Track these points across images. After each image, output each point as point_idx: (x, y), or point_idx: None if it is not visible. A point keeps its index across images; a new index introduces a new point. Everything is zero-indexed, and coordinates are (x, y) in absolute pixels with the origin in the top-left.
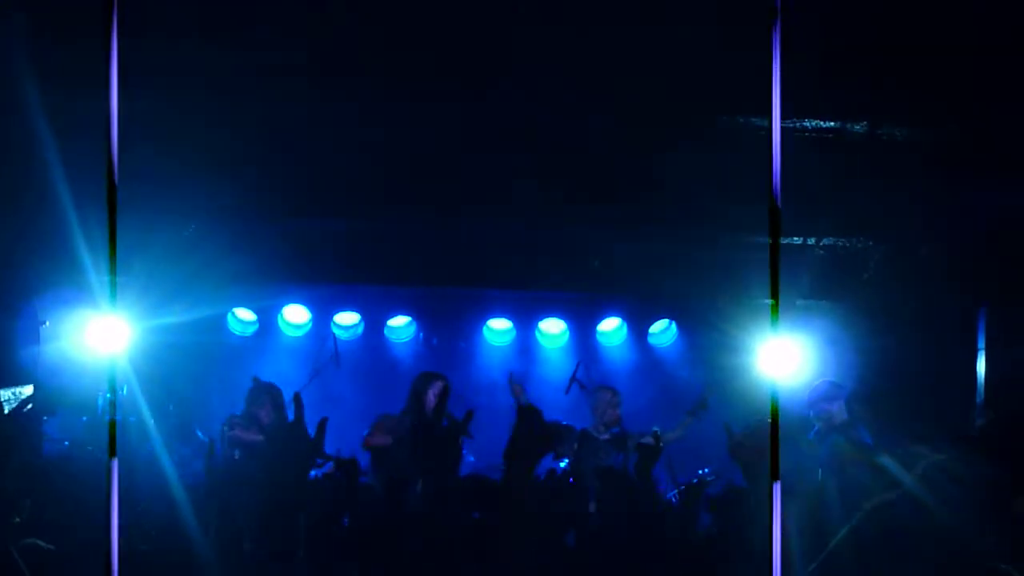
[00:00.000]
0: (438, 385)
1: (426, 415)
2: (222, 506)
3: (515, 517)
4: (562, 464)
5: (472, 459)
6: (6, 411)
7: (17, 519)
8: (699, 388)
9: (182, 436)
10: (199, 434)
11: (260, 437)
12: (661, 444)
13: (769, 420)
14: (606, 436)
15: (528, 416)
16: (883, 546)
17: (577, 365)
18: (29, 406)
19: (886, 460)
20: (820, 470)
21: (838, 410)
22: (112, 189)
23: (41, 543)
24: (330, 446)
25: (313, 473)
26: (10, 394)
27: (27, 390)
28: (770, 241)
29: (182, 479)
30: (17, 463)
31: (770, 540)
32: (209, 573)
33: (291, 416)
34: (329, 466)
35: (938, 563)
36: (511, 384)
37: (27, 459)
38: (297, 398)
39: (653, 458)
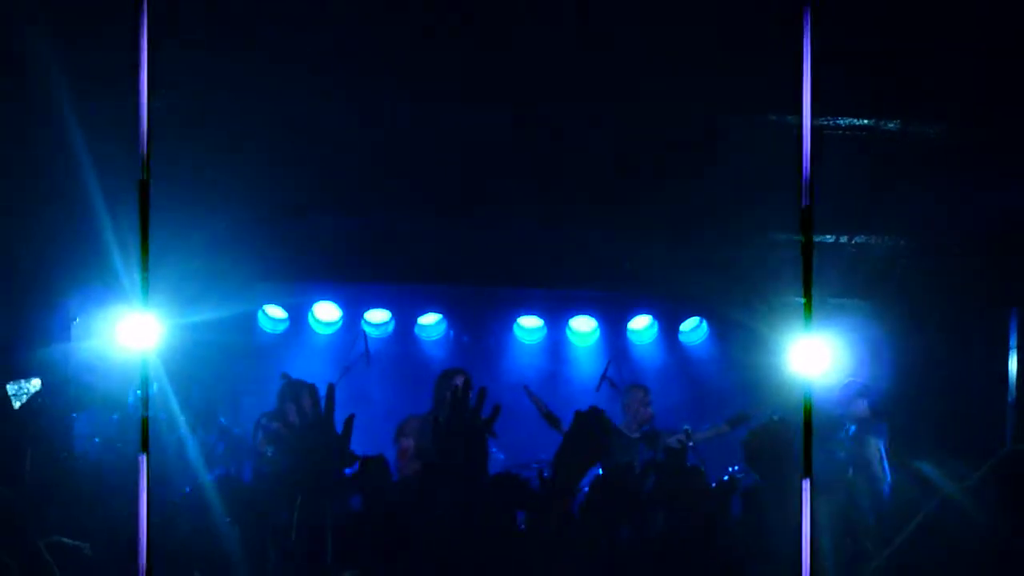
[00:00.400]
0: (457, 380)
1: (447, 411)
2: (253, 504)
3: (560, 522)
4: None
5: (502, 457)
6: (16, 406)
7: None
8: (735, 394)
9: (207, 428)
10: (221, 420)
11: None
12: (690, 443)
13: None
14: (637, 434)
15: (586, 420)
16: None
17: (608, 363)
18: (39, 400)
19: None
20: (851, 468)
21: (862, 410)
22: (144, 186)
23: (67, 540)
24: (359, 444)
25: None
26: (16, 388)
27: (34, 383)
28: (802, 239)
29: (211, 473)
30: (40, 459)
31: (800, 538)
32: (239, 570)
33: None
34: (357, 466)
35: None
36: (529, 396)
37: (51, 455)
38: (331, 391)
39: (680, 460)
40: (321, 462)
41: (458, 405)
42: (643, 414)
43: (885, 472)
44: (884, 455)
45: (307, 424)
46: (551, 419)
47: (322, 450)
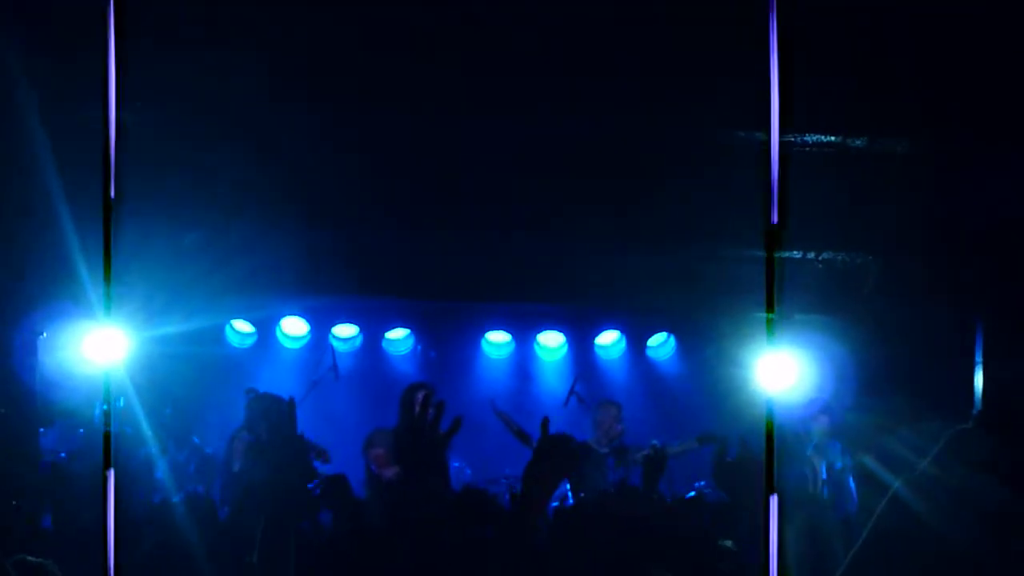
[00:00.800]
0: (420, 394)
1: (410, 424)
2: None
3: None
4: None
5: (469, 472)
6: None
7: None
8: (702, 409)
9: (178, 446)
10: (195, 440)
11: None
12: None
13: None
14: (606, 450)
15: (553, 439)
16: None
17: (575, 378)
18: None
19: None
20: (820, 482)
21: (824, 427)
22: (108, 200)
23: (31, 558)
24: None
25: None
26: None
27: None
28: (766, 255)
29: (180, 488)
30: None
31: (766, 553)
32: None
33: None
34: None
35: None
36: (497, 414)
37: (16, 471)
38: (291, 404)
39: (659, 469)
40: (288, 476)
41: (417, 419)
42: (614, 431)
43: (851, 490)
44: (848, 472)
45: (275, 438)
46: (521, 436)
47: (288, 464)
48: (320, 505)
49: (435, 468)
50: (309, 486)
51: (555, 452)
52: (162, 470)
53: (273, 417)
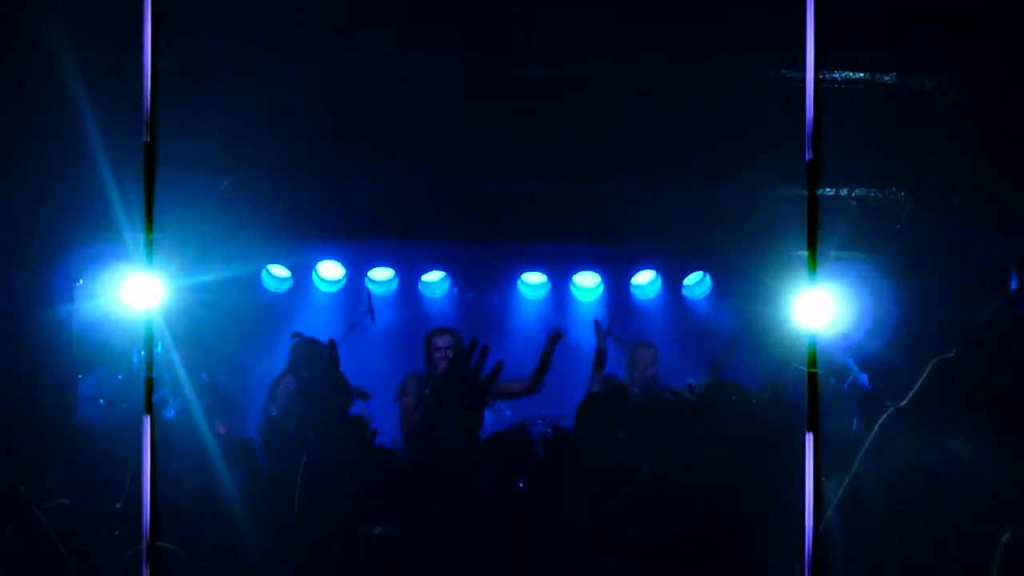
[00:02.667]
0: (440, 340)
1: (436, 374)
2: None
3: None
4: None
5: (509, 413)
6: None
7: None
8: (739, 348)
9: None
10: (204, 377)
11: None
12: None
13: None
14: (637, 391)
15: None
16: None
17: (611, 319)
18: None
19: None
20: (855, 420)
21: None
22: (148, 148)
23: (67, 502)
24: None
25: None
26: None
27: None
28: (807, 192)
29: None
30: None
31: (804, 491)
32: (247, 530)
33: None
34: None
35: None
36: (597, 329)
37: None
38: (332, 345)
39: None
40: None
41: (457, 367)
42: (648, 373)
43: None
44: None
45: (318, 381)
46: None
47: (331, 404)
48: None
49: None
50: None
51: (615, 403)
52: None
53: (316, 361)
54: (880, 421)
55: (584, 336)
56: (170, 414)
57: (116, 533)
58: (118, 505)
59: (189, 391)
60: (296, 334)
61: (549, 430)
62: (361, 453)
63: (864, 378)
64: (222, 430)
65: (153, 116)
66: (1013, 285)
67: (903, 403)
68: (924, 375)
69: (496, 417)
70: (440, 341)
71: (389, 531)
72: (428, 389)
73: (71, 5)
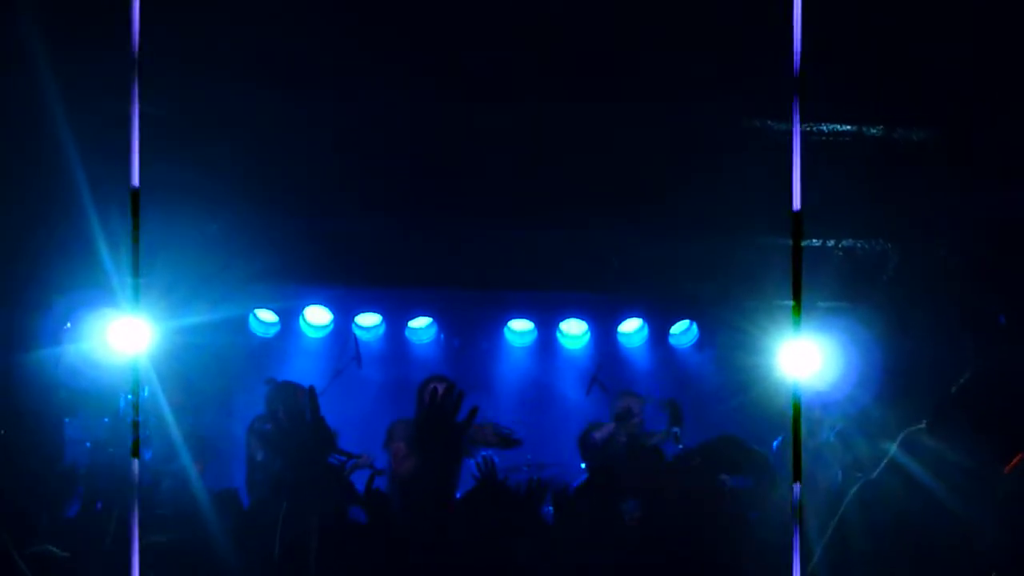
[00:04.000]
0: (431, 388)
1: (424, 416)
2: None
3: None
4: None
5: (497, 459)
6: None
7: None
8: (726, 396)
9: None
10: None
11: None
12: (679, 446)
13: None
14: (624, 439)
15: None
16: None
17: (598, 366)
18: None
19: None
20: (840, 472)
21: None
22: (135, 194)
23: (55, 549)
24: (350, 447)
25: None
26: None
27: None
28: (792, 243)
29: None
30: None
31: (791, 542)
32: (229, 570)
33: (308, 414)
34: (350, 463)
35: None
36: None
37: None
38: (312, 393)
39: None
40: (308, 463)
41: (434, 410)
42: (632, 423)
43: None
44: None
45: (295, 426)
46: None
47: (307, 451)
48: (343, 494)
49: (448, 461)
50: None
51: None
52: (186, 459)
53: (291, 406)
54: (851, 493)
55: (569, 384)
56: (148, 455)
57: None
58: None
59: (175, 433)
60: (270, 380)
61: (536, 473)
62: (343, 500)
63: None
64: (198, 468)
65: (140, 160)
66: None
67: (874, 476)
68: (894, 447)
69: (484, 464)
70: (439, 389)
71: None
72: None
73: (57, 46)
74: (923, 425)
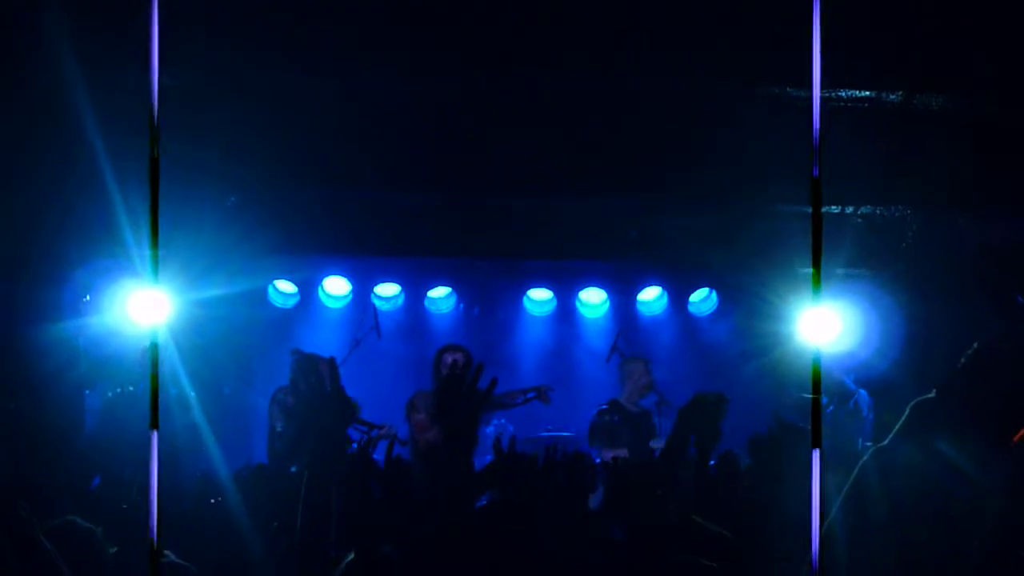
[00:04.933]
0: (449, 357)
1: (444, 388)
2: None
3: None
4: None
5: (511, 428)
6: None
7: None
8: (745, 363)
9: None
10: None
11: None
12: None
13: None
14: (635, 408)
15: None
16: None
17: (617, 335)
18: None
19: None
20: (861, 440)
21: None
22: (154, 163)
23: (79, 520)
24: (370, 417)
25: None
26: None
27: None
28: (812, 209)
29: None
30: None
31: (810, 510)
32: (251, 544)
33: (328, 384)
34: (374, 433)
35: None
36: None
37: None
38: (332, 364)
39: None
40: (329, 434)
41: (454, 381)
42: (642, 383)
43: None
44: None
45: (317, 396)
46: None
47: (329, 422)
48: (363, 465)
49: (467, 432)
50: (354, 437)
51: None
52: (206, 430)
53: (313, 377)
54: (860, 464)
55: (588, 353)
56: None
57: (114, 550)
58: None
59: (195, 405)
60: (295, 351)
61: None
62: (363, 470)
63: (864, 395)
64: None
65: (159, 132)
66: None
67: (884, 443)
68: (903, 418)
69: (499, 432)
70: (450, 358)
71: (394, 551)
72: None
73: (77, 21)
74: (932, 395)
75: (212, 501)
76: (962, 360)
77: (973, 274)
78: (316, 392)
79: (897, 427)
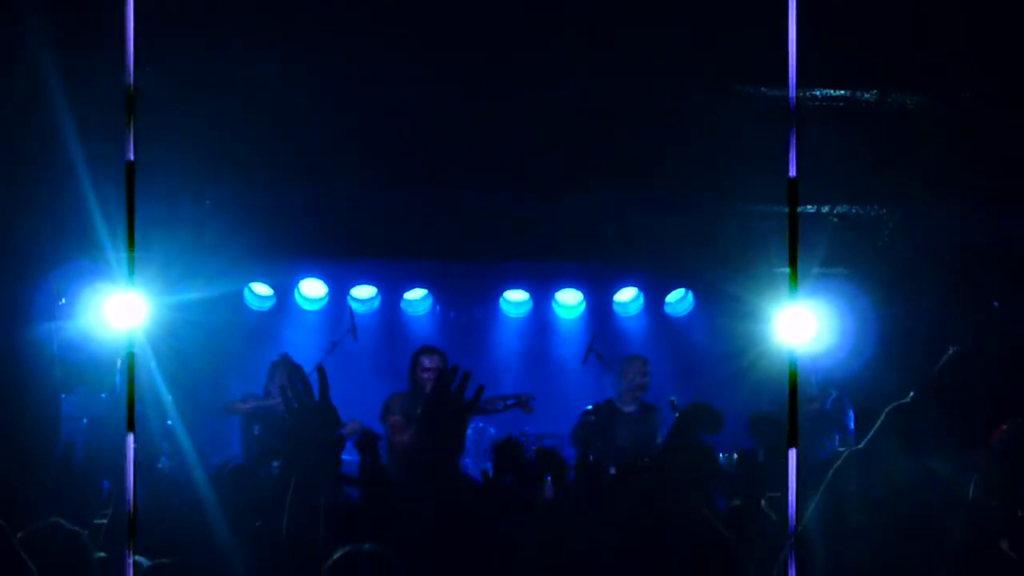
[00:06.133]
0: (426, 360)
1: (422, 393)
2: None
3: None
4: None
5: (492, 431)
6: None
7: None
8: (722, 364)
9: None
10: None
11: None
12: (675, 413)
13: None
14: (631, 408)
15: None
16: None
17: (593, 336)
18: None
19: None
20: (837, 438)
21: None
22: (130, 167)
23: (65, 522)
24: (347, 418)
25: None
26: None
27: None
28: (788, 209)
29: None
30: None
31: (786, 509)
32: (230, 550)
33: (316, 391)
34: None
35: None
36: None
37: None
38: (320, 371)
39: (714, 426)
40: (316, 442)
41: (441, 390)
42: (637, 383)
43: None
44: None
45: (305, 407)
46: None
47: (317, 430)
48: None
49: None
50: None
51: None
52: (181, 434)
53: (300, 385)
54: (834, 468)
55: (565, 354)
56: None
57: (100, 553)
58: (103, 520)
59: (172, 410)
60: (283, 356)
61: (535, 443)
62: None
63: (838, 397)
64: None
65: (135, 134)
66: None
67: (860, 447)
68: (879, 422)
69: (477, 436)
70: (427, 361)
71: (378, 549)
72: (420, 410)
73: (52, 22)
74: (908, 399)
75: (189, 502)
76: (940, 364)
77: (949, 274)
78: (304, 401)
79: (873, 431)
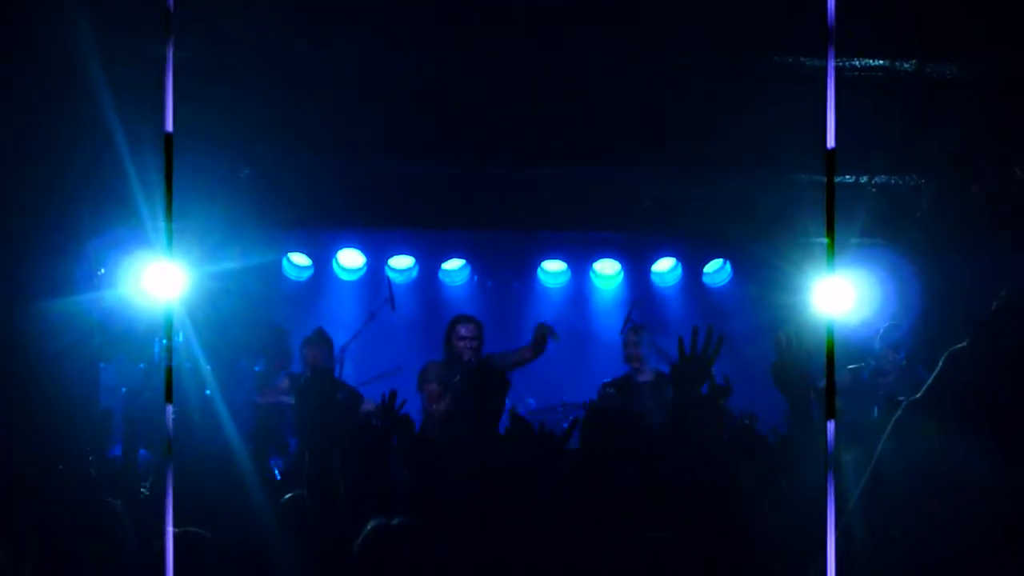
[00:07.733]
0: (463, 329)
1: (458, 362)
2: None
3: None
4: None
5: (532, 401)
6: None
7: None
8: (759, 334)
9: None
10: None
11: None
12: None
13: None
14: (646, 378)
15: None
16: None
17: (631, 306)
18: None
19: None
20: (875, 409)
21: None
22: (168, 139)
23: (113, 501)
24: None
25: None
26: None
27: None
28: (826, 179)
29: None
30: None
31: (825, 484)
32: (263, 516)
33: (337, 368)
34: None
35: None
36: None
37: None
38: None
39: (723, 395)
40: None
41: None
42: (630, 353)
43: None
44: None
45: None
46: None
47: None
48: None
49: (488, 411)
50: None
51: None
52: (220, 404)
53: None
54: (895, 417)
55: (603, 325)
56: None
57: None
58: (144, 491)
59: (210, 379)
60: (318, 330)
61: (572, 415)
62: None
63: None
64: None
65: (173, 105)
66: None
67: (918, 396)
68: (938, 368)
69: (518, 405)
70: (463, 330)
71: (409, 522)
72: (457, 377)
73: None
74: (965, 343)
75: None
76: (993, 306)
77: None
78: (319, 374)
79: (930, 380)
